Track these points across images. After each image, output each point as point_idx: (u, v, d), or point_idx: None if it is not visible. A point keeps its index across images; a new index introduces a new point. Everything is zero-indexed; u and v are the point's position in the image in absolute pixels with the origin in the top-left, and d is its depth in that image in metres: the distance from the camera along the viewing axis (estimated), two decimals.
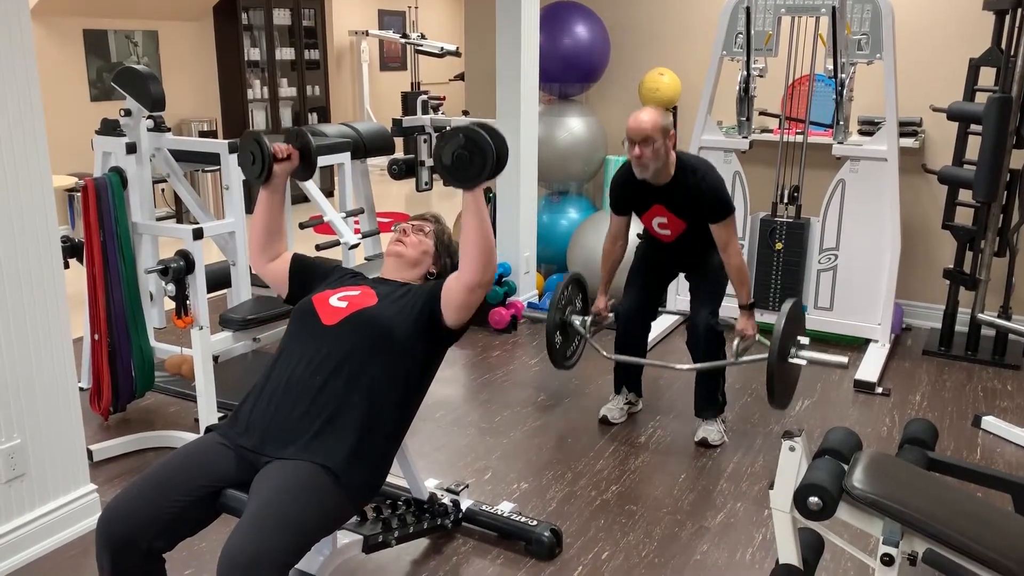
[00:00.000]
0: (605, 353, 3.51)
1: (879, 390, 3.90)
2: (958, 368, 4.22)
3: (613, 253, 3.50)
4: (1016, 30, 3.77)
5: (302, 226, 3.73)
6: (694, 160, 3.31)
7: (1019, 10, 3.78)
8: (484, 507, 2.74)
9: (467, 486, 2.80)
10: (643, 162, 3.12)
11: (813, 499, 1.73)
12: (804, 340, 3.21)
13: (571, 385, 3.99)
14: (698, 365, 3.35)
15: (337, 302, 2.18)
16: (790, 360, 3.13)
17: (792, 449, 1.84)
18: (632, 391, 3.63)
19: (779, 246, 4.38)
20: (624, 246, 3.50)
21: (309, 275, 2.35)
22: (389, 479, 2.25)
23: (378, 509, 2.41)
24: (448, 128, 2.04)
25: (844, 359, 3.18)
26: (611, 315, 3.55)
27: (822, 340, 4.49)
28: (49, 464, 2.59)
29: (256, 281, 3.76)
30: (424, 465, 3.06)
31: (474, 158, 1.99)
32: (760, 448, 3.37)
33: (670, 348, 4.41)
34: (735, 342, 3.32)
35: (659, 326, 4.55)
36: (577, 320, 3.57)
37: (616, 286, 3.64)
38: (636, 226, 3.54)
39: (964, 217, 4.27)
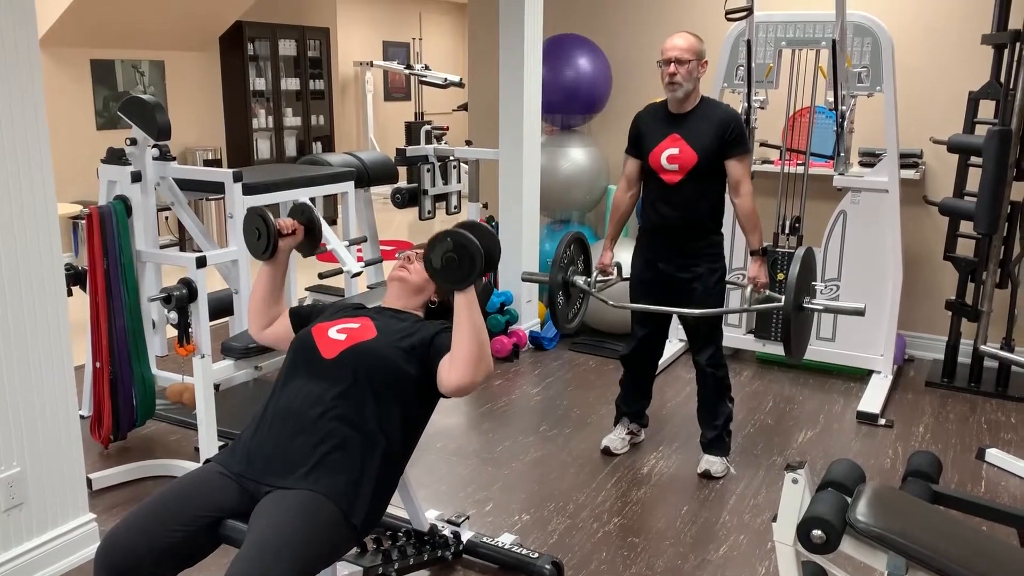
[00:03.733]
0: (612, 303, 3.38)
1: (882, 422, 3.88)
2: (961, 400, 4.20)
3: (624, 202, 3.43)
4: (1015, 64, 3.80)
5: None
6: (716, 100, 3.31)
7: (1017, 44, 3.82)
8: (485, 539, 2.72)
9: (468, 517, 2.79)
10: (676, 80, 3.13)
11: (816, 532, 1.72)
12: (819, 286, 3.11)
13: (573, 415, 3.97)
14: (705, 312, 3.24)
15: (336, 334, 2.17)
16: (805, 307, 3.04)
17: (795, 481, 1.82)
18: (634, 422, 3.61)
19: (781, 276, 4.38)
20: (636, 195, 3.42)
21: (311, 319, 2.33)
22: (389, 510, 2.23)
23: (378, 540, 2.39)
24: (436, 233, 2.04)
25: (860, 306, 3.05)
26: (614, 271, 3.46)
27: (824, 371, 4.48)
28: (48, 493, 2.58)
29: None
30: (425, 496, 3.04)
31: (463, 260, 2.00)
32: (763, 480, 3.35)
33: (671, 379, 4.40)
34: (747, 290, 3.26)
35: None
36: (580, 280, 3.40)
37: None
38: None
39: (965, 248, 4.28)
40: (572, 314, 3.52)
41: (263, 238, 2.28)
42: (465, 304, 2.05)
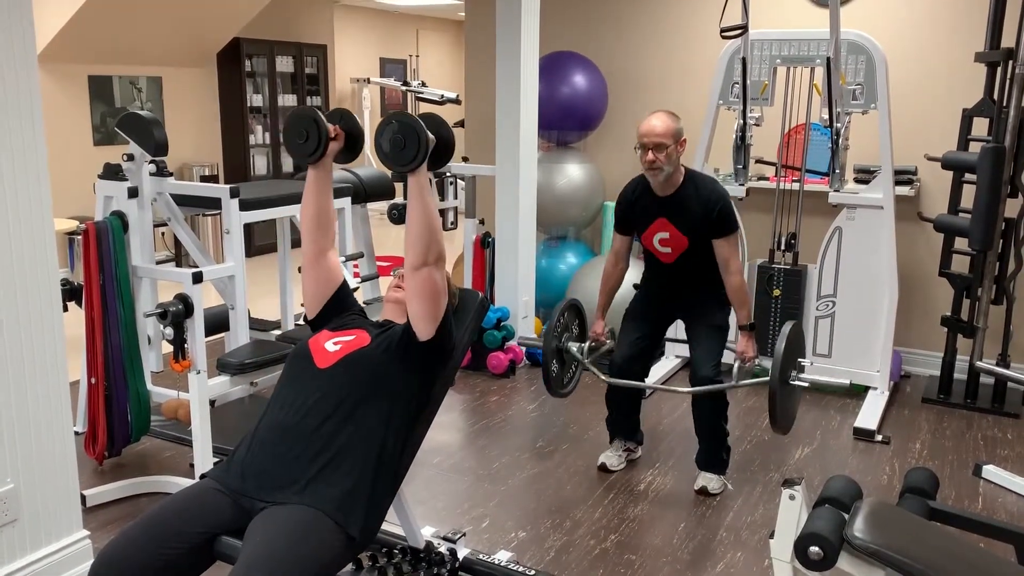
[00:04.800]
0: (604, 377, 3.43)
1: (879, 438, 3.88)
2: (957, 416, 4.20)
3: (613, 275, 3.46)
4: (1007, 81, 3.83)
5: (301, 270, 3.73)
6: (701, 174, 3.34)
7: (1010, 62, 3.84)
8: (481, 556, 2.70)
9: (464, 534, 2.77)
10: (656, 166, 3.13)
11: (814, 549, 1.72)
12: (805, 362, 3.16)
13: (570, 431, 3.96)
14: (698, 389, 3.27)
15: (332, 346, 2.19)
16: (791, 383, 3.08)
17: (792, 498, 1.82)
18: (630, 440, 3.61)
19: (777, 293, 4.39)
20: (625, 268, 3.47)
21: (339, 310, 2.34)
22: (385, 526, 2.23)
23: (373, 557, 2.38)
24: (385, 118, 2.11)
25: (846, 382, 3.13)
26: (608, 340, 3.50)
27: (820, 388, 4.48)
28: (42, 509, 2.56)
29: (255, 325, 3.76)
30: (421, 512, 3.03)
31: (408, 141, 2.05)
32: (760, 496, 3.35)
33: (666, 397, 4.40)
34: (735, 364, 3.28)
35: (658, 371, 4.54)
36: (574, 347, 3.49)
37: (616, 314, 3.58)
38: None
39: (961, 265, 4.29)
40: (567, 379, 3.61)
41: (311, 140, 2.21)
42: (416, 188, 2.09)
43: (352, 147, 2.31)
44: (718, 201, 3.19)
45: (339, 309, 2.34)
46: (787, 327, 3.07)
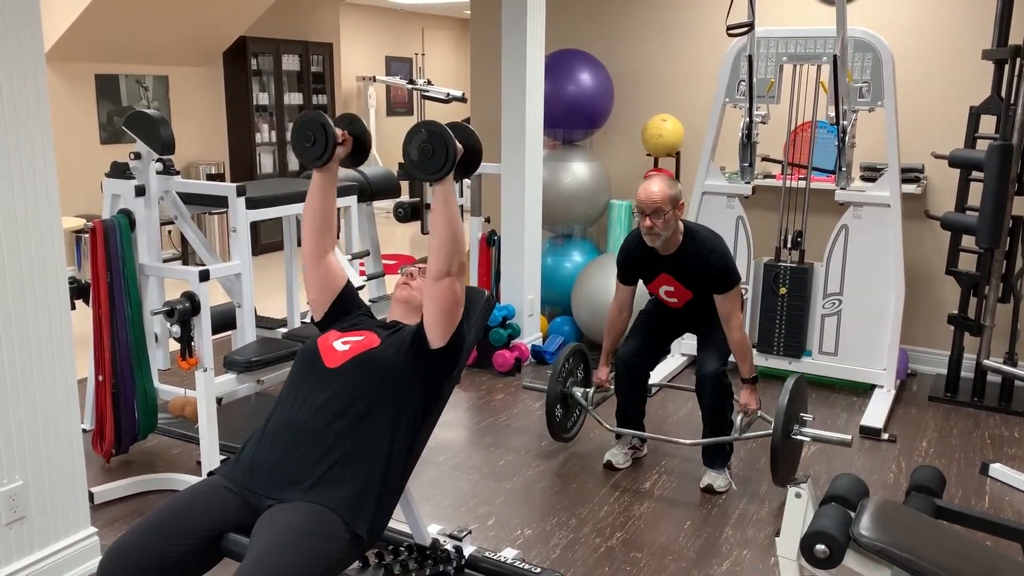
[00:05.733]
0: (608, 426, 3.53)
1: (885, 436, 3.88)
2: (964, 414, 4.19)
3: (617, 324, 3.51)
4: (1015, 79, 3.82)
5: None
6: (701, 229, 3.36)
7: (1018, 59, 3.83)
8: (487, 553, 2.70)
9: (470, 532, 2.77)
10: (654, 231, 3.18)
11: (820, 547, 1.72)
12: (807, 416, 3.24)
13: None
14: (701, 440, 3.37)
15: (341, 346, 2.19)
16: (793, 437, 3.14)
17: (798, 496, 1.82)
18: (635, 437, 3.61)
19: (783, 291, 4.38)
20: (629, 317, 3.53)
21: (346, 310, 2.35)
22: (391, 524, 2.23)
23: (380, 555, 2.38)
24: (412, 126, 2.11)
25: (848, 437, 3.19)
26: (612, 386, 3.55)
27: (827, 385, 4.48)
28: (50, 506, 2.57)
29: (261, 323, 3.76)
30: (427, 510, 3.03)
31: (436, 150, 2.05)
32: (766, 494, 3.34)
33: (672, 395, 4.40)
34: (738, 417, 3.33)
35: (664, 370, 4.53)
36: (579, 392, 3.59)
37: None
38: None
39: (967, 263, 4.28)
40: (571, 424, 3.69)
41: (318, 144, 2.22)
42: (442, 197, 2.10)
43: (359, 152, 2.32)
44: (717, 259, 3.23)
45: (345, 310, 2.35)
46: (789, 382, 3.14)
